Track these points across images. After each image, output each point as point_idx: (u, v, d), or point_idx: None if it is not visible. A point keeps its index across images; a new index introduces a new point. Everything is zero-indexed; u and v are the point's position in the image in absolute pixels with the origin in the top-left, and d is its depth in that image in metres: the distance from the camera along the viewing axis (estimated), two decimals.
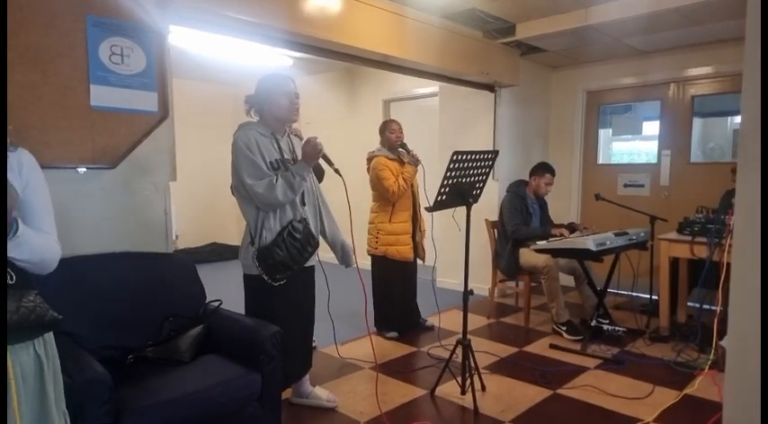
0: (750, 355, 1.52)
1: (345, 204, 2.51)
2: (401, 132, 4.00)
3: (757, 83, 1.45)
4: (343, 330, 3.91)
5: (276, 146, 2.60)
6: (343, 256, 2.86)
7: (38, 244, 1.37)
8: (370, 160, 4.04)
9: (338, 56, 3.73)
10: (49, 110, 2.34)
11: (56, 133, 2.37)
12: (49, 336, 1.45)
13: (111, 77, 2.52)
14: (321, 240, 2.78)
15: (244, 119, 2.67)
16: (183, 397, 2.09)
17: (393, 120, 4.09)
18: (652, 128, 5.40)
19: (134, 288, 2.48)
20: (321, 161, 2.68)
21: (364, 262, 3.18)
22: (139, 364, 2.33)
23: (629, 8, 3.83)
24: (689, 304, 4.30)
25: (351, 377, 3.32)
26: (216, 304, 2.70)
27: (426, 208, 3.04)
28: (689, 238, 3.69)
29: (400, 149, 3.99)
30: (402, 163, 3.98)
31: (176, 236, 6.91)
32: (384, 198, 3.95)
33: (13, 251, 1.30)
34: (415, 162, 3.95)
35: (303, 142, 2.59)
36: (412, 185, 4.01)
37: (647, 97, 5.38)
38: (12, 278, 1.27)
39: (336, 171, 2.61)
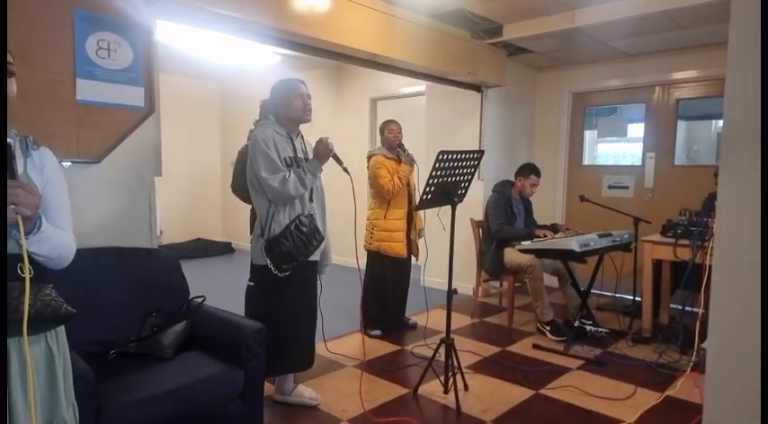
0: (731, 358, 1.54)
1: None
2: (399, 132, 4.11)
3: (740, 87, 1.47)
4: (328, 326, 3.90)
5: (291, 145, 2.73)
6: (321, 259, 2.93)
7: (57, 240, 1.41)
8: (369, 158, 4.13)
9: (326, 54, 3.72)
10: (35, 104, 2.31)
11: (42, 127, 2.34)
12: (61, 329, 1.50)
13: (98, 72, 2.50)
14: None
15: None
16: (165, 394, 2.08)
17: (393, 121, 4.16)
18: (637, 130, 5.46)
19: (117, 283, 2.46)
20: (331, 160, 2.76)
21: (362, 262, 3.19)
22: (122, 359, 2.31)
23: (615, 11, 3.87)
24: (671, 305, 4.35)
25: (334, 375, 3.32)
26: (200, 300, 2.69)
27: (413, 208, 3.06)
28: (672, 240, 3.72)
29: (398, 149, 4.06)
30: (400, 162, 4.05)
31: (161, 232, 6.85)
32: (381, 195, 4.03)
33: (35, 246, 1.33)
34: (411, 162, 4.03)
35: (315, 142, 2.72)
36: (408, 184, 4.08)
37: (632, 99, 5.43)
38: (30, 272, 1.31)
39: (345, 169, 2.70)
